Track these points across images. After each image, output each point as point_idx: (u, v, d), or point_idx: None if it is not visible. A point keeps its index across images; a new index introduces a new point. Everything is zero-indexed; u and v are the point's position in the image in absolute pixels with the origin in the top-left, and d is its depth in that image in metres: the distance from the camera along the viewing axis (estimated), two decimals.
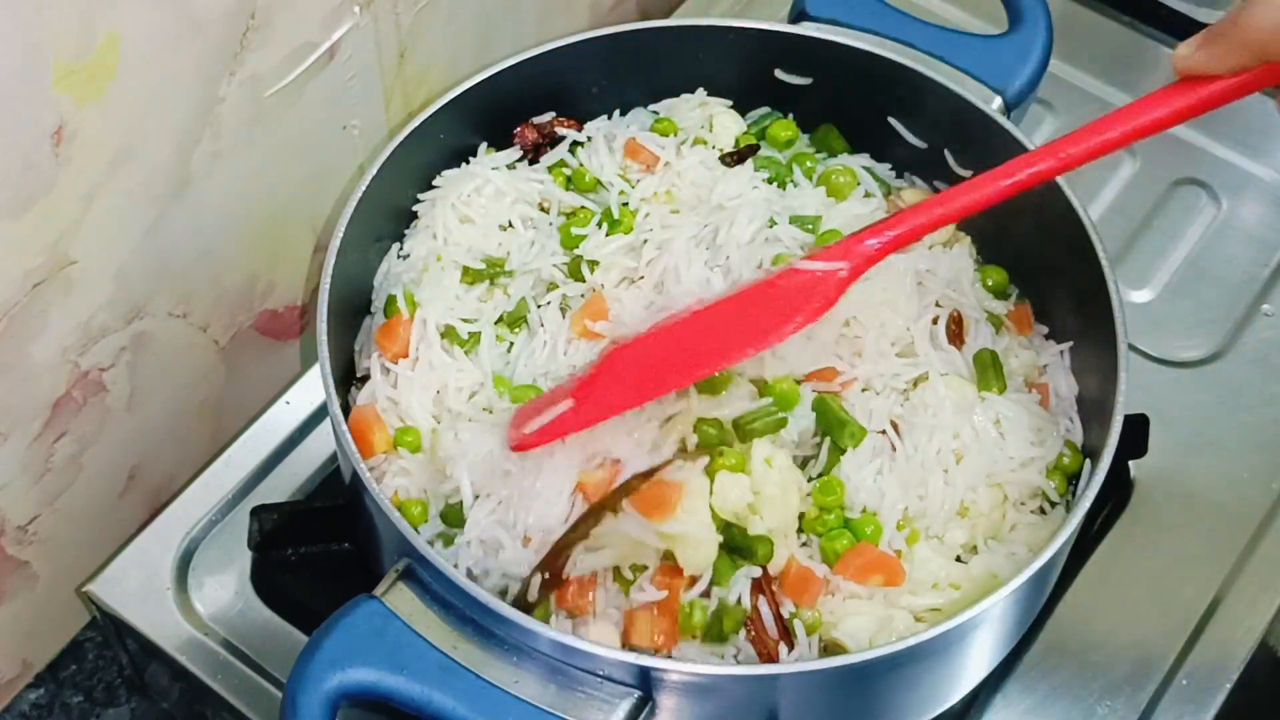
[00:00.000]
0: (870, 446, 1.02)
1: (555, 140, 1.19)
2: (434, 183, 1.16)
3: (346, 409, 1.07)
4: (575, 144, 1.19)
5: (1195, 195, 1.40)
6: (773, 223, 1.11)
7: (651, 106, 1.23)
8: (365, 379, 1.09)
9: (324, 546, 1.14)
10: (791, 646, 0.97)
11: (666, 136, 1.18)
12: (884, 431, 1.03)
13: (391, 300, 1.10)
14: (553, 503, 0.98)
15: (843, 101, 1.21)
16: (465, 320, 1.09)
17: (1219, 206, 1.39)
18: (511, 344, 1.09)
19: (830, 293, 0.96)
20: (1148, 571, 1.18)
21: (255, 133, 1.12)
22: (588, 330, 1.08)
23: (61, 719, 1.20)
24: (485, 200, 1.15)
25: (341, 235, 1.06)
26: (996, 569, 1.00)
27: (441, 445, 1.03)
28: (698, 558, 0.96)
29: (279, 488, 1.19)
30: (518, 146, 1.19)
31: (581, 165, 1.17)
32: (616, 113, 1.23)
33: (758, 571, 0.98)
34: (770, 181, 1.17)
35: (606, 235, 1.12)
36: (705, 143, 1.19)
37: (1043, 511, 1.05)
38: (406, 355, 1.08)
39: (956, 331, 1.09)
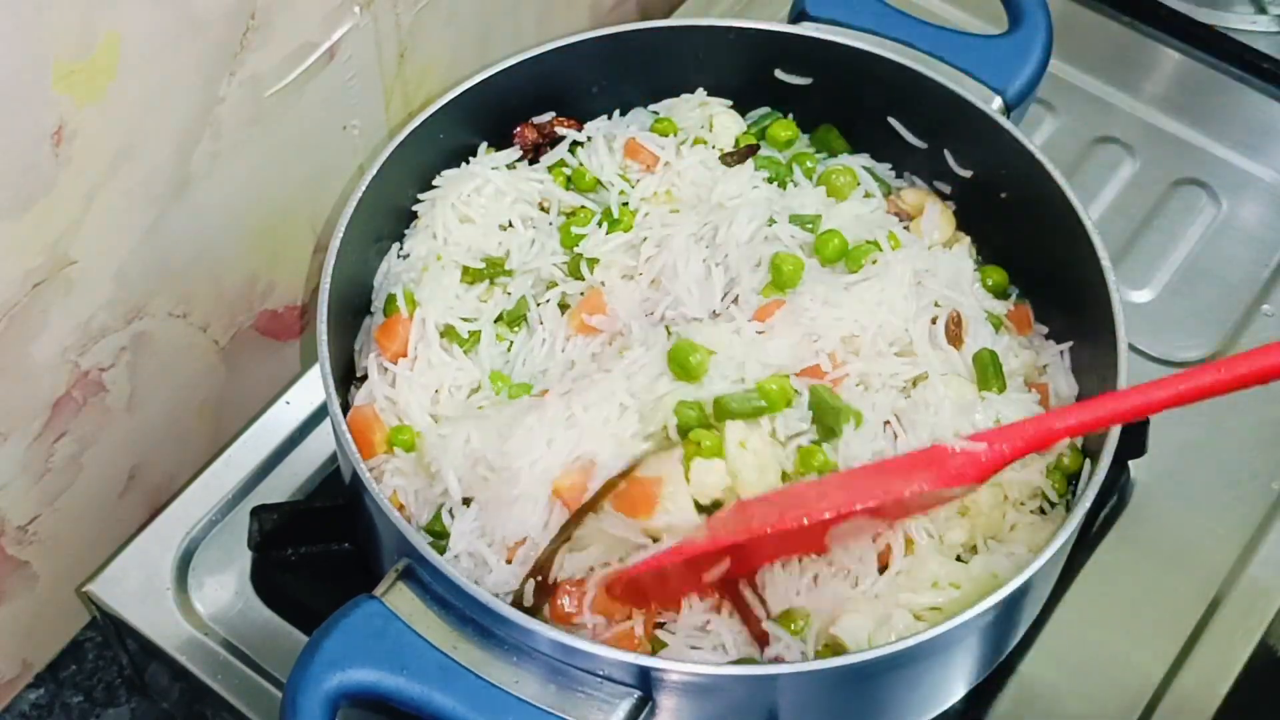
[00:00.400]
0: (872, 433, 1.02)
1: (555, 140, 1.19)
2: (434, 183, 1.16)
3: (346, 409, 1.07)
4: (575, 144, 1.19)
5: (1195, 195, 1.40)
6: (772, 221, 1.11)
7: (651, 106, 1.23)
8: (365, 379, 1.09)
9: (324, 546, 1.14)
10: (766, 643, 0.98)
11: (666, 136, 1.18)
12: (887, 423, 1.03)
13: (391, 299, 1.10)
14: (531, 510, 0.99)
15: (843, 101, 1.21)
16: (465, 320, 1.09)
17: (1219, 206, 1.39)
18: (511, 343, 1.09)
19: (977, 473, 0.96)
20: (1148, 571, 1.18)
21: (255, 133, 1.12)
22: (585, 325, 1.08)
23: (61, 719, 1.20)
24: (485, 200, 1.15)
25: (341, 235, 1.06)
26: (996, 568, 1.00)
27: (428, 445, 1.03)
28: None
29: (279, 488, 1.19)
30: (517, 146, 1.19)
31: (581, 165, 1.17)
32: (616, 113, 1.23)
33: None
34: (770, 181, 1.17)
35: (606, 234, 1.12)
36: (705, 143, 1.19)
37: (1042, 511, 1.05)
38: (405, 355, 1.08)
39: (956, 332, 1.09)
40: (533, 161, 1.19)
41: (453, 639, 0.91)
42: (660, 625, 0.99)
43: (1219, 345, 1.30)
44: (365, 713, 0.94)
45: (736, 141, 1.20)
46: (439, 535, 1.01)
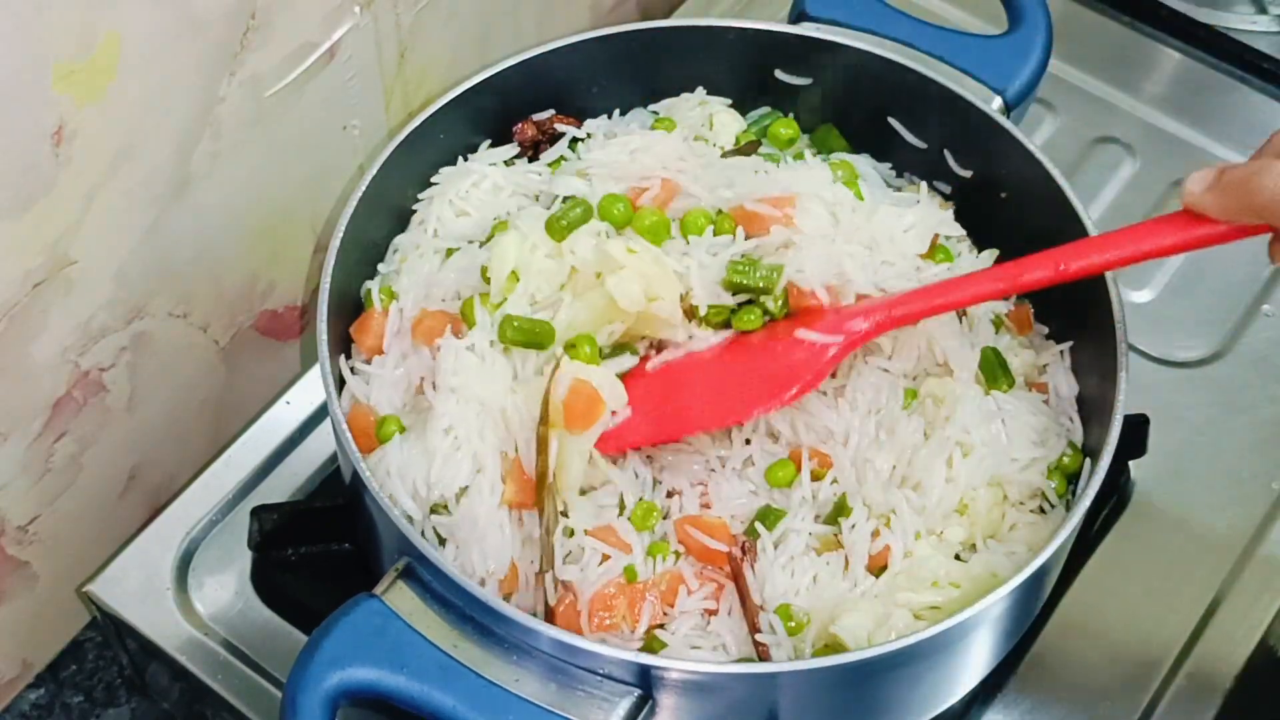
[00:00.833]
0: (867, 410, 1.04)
1: (555, 137, 1.19)
2: (432, 180, 1.16)
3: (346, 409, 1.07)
4: (575, 140, 1.19)
5: None
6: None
7: (651, 106, 1.23)
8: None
9: (324, 546, 1.14)
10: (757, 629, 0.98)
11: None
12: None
13: (368, 295, 1.10)
14: (499, 536, 0.99)
15: (843, 101, 1.21)
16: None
17: None
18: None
19: (821, 367, 1.01)
20: (1148, 571, 1.18)
21: (255, 133, 1.12)
22: None
23: (61, 719, 1.20)
24: (482, 194, 1.15)
25: (341, 235, 1.06)
26: (996, 568, 1.00)
27: (375, 467, 1.02)
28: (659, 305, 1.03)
29: (279, 488, 1.19)
30: (517, 143, 1.19)
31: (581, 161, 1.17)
32: (616, 112, 1.23)
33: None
34: None
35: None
36: (706, 141, 1.19)
37: (1042, 511, 1.05)
38: (381, 350, 1.07)
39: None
40: (532, 159, 1.19)
41: (453, 638, 0.91)
42: (660, 626, 0.99)
43: (1219, 345, 1.30)
44: (365, 712, 0.94)
45: (737, 140, 1.20)
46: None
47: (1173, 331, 1.31)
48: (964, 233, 1.17)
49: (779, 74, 1.22)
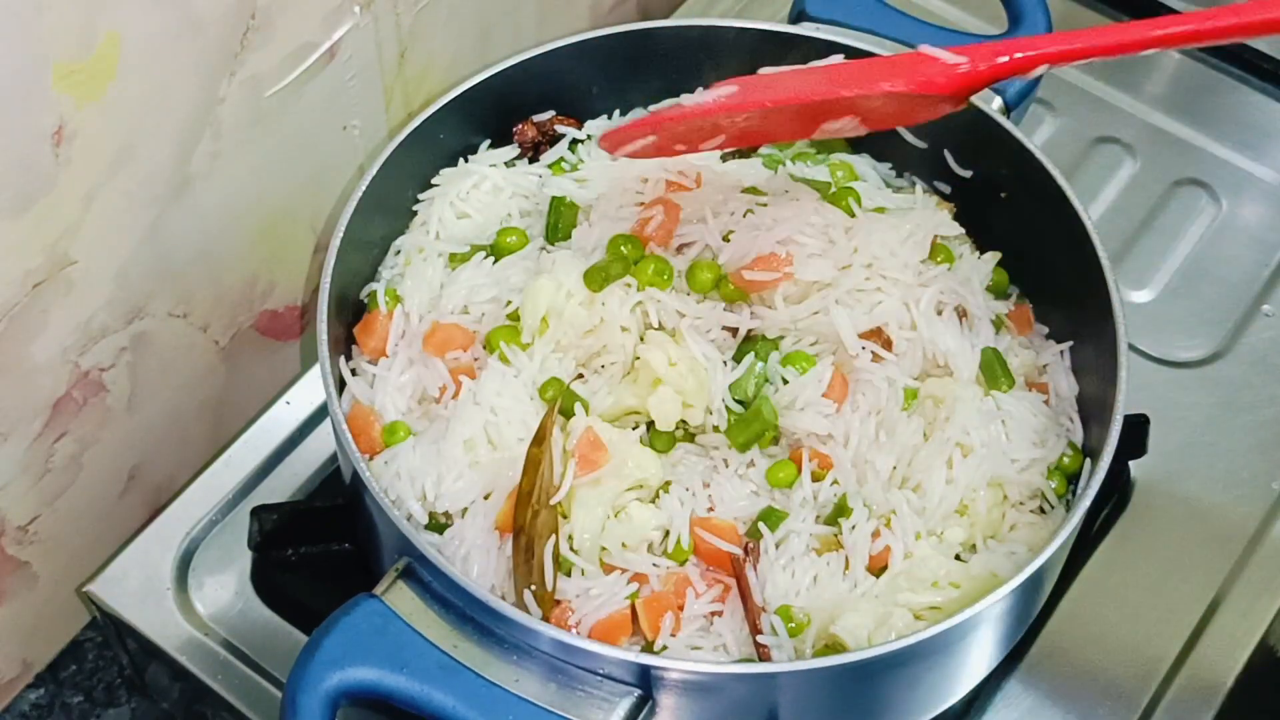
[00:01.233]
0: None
1: (555, 138, 1.19)
2: (433, 181, 1.16)
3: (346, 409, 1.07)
4: (575, 141, 1.19)
5: (1195, 195, 1.40)
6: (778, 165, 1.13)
7: (651, 107, 1.23)
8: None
9: (324, 546, 1.14)
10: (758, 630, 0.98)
11: None
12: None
13: (372, 296, 1.10)
14: (484, 559, 0.99)
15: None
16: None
17: (1219, 206, 1.39)
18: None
19: (949, 84, 0.97)
20: (1148, 571, 1.18)
21: (255, 133, 1.12)
22: None
23: (61, 719, 1.20)
24: (483, 195, 1.15)
25: (341, 235, 1.06)
26: (996, 568, 1.00)
27: (383, 473, 1.02)
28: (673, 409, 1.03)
29: (279, 488, 1.19)
30: (517, 144, 1.19)
31: (582, 161, 1.17)
32: (616, 112, 1.23)
33: None
34: None
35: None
36: None
37: (1042, 511, 1.05)
38: (385, 353, 1.07)
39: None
40: (533, 160, 1.19)
41: (453, 638, 0.91)
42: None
43: (1219, 345, 1.30)
44: (365, 712, 0.94)
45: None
46: (439, 530, 1.01)
47: (1173, 331, 1.31)
48: (963, 232, 1.17)
49: None
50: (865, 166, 1.20)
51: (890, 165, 1.22)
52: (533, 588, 0.96)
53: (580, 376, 1.06)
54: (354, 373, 1.08)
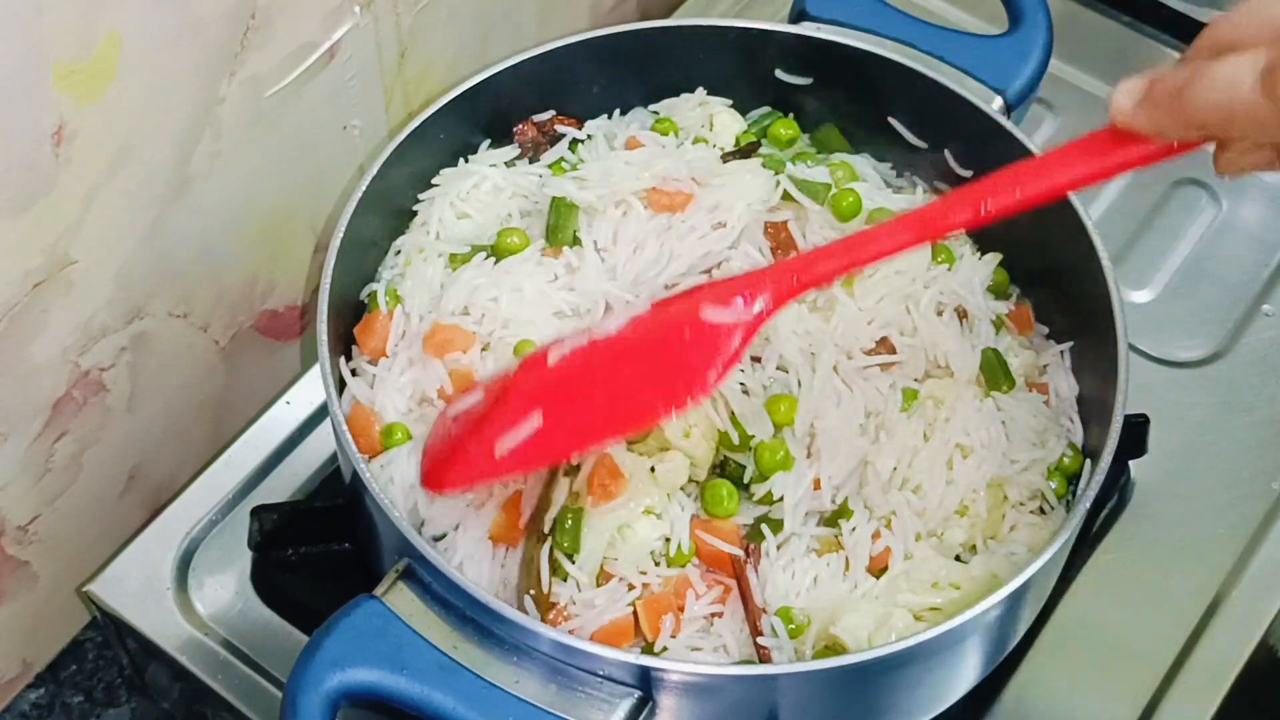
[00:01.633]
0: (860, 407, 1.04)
1: (555, 138, 1.19)
2: (433, 181, 1.16)
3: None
4: (575, 141, 1.19)
5: (1195, 195, 1.40)
6: (779, 167, 1.13)
7: (651, 106, 1.23)
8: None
9: (324, 546, 1.14)
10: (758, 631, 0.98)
11: (667, 135, 1.19)
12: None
13: (372, 296, 1.10)
14: (475, 570, 0.99)
15: (843, 101, 1.21)
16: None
17: (1219, 206, 1.39)
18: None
19: (729, 356, 0.93)
20: (1148, 571, 1.18)
21: (255, 133, 1.12)
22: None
23: (61, 719, 1.20)
24: (483, 195, 1.15)
25: (341, 235, 1.06)
26: (996, 569, 1.00)
27: (379, 476, 1.02)
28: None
29: (279, 488, 1.19)
30: (517, 144, 1.19)
31: (582, 161, 1.17)
32: (616, 112, 1.23)
33: None
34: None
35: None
36: (706, 141, 1.19)
37: (1042, 512, 1.05)
38: (385, 353, 1.07)
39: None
40: (533, 160, 1.19)
41: (453, 639, 0.91)
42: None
43: (1219, 345, 1.30)
44: (365, 713, 0.94)
45: (737, 140, 1.20)
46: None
47: (1173, 331, 1.31)
48: (962, 232, 1.17)
49: (779, 74, 1.22)
50: (865, 166, 1.20)
51: (890, 165, 1.22)
52: (531, 592, 0.96)
53: None
54: (354, 373, 1.08)
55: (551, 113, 1.20)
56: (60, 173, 0.97)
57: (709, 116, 1.20)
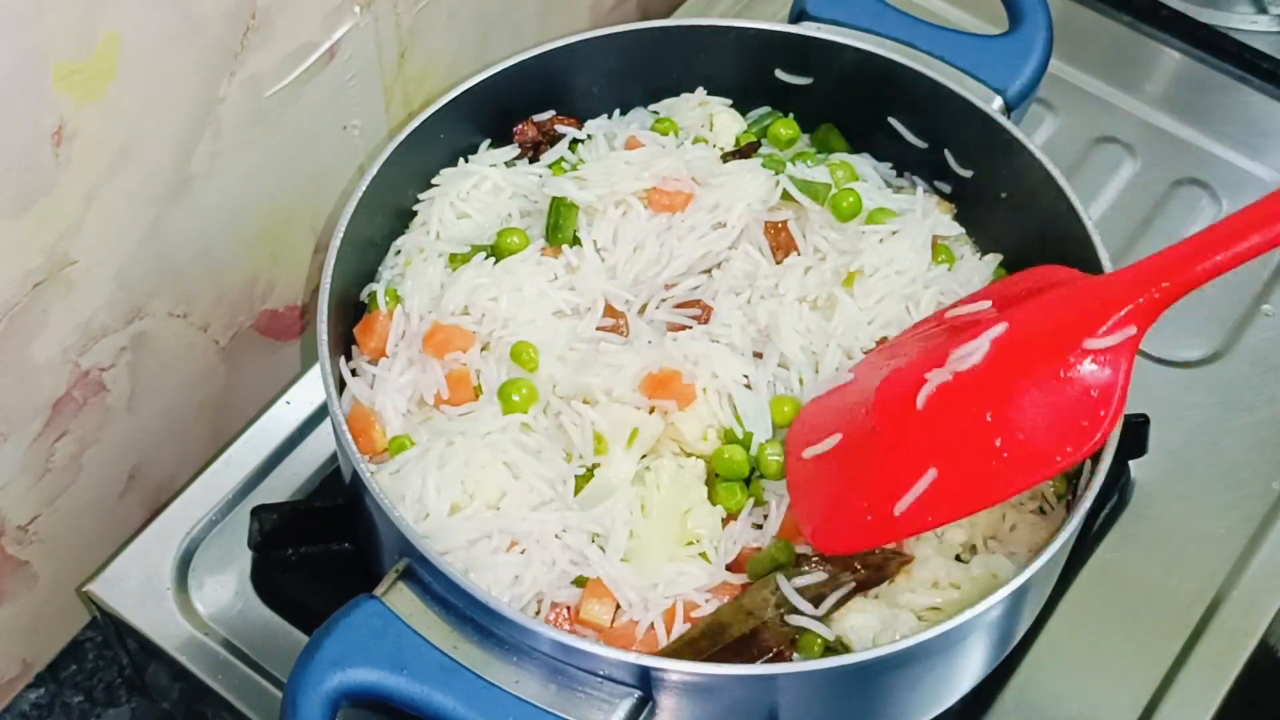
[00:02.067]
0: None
1: (555, 138, 1.19)
2: (433, 181, 1.16)
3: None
4: (575, 141, 1.19)
5: (1195, 195, 1.40)
6: (779, 168, 1.13)
7: (651, 106, 1.23)
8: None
9: (324, 546, 1.14)
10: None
11: (667, 135, 1.19)
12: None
13: (372, 296, 1.10)
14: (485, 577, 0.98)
15: (843, 101, 1.21)
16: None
17: (1219, 206, 1.39)
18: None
19: (1125, 377, 0.88)
20: (1148, 571, 1.18)
21: (255, 133, 1.12)
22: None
23: (61, 719, 1.20)
24: (483, 195, 1.15)
25: (341, 235, 1.06)
26: (996, 569, 1.00)
27: (386, 481, 1.02)
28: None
29: (279, 488, 1.19)
30: (517, 144, 1.19)
31: (582, 161, 1.17)
32: (616, 112, 1.23)
33: None
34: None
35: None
36: (706, 141, 1.19)
37: (1042, 512, 1.05)
38: (385, 353, 1.07)
39: None
40: (533, 160, 1.19)
41: (453, 639, 0.91)
42: None
43: (1219, 345, 1.30)
44: (365, 713, 0.94)
45: (737, 140, 1.20)
46: None
47: (1173, 331, 1.31)
48: (963, 232, 1.17)
49: (779, 74, 1.22)
50: (865, 166, 1.20)
51: (890, 165, 1.22)
52: None
53: None
54: (354, 373, 1.08)
55: (551, 113, 1.20)
56: (60, 173, 0.97)
57: (709, 116, 1.20)
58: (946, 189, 1.20)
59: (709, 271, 1.11)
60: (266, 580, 1.15)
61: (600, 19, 1.47)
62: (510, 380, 1.04)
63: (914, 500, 0.91)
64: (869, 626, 0.96)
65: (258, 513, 1.14)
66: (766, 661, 0.96)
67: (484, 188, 1.16)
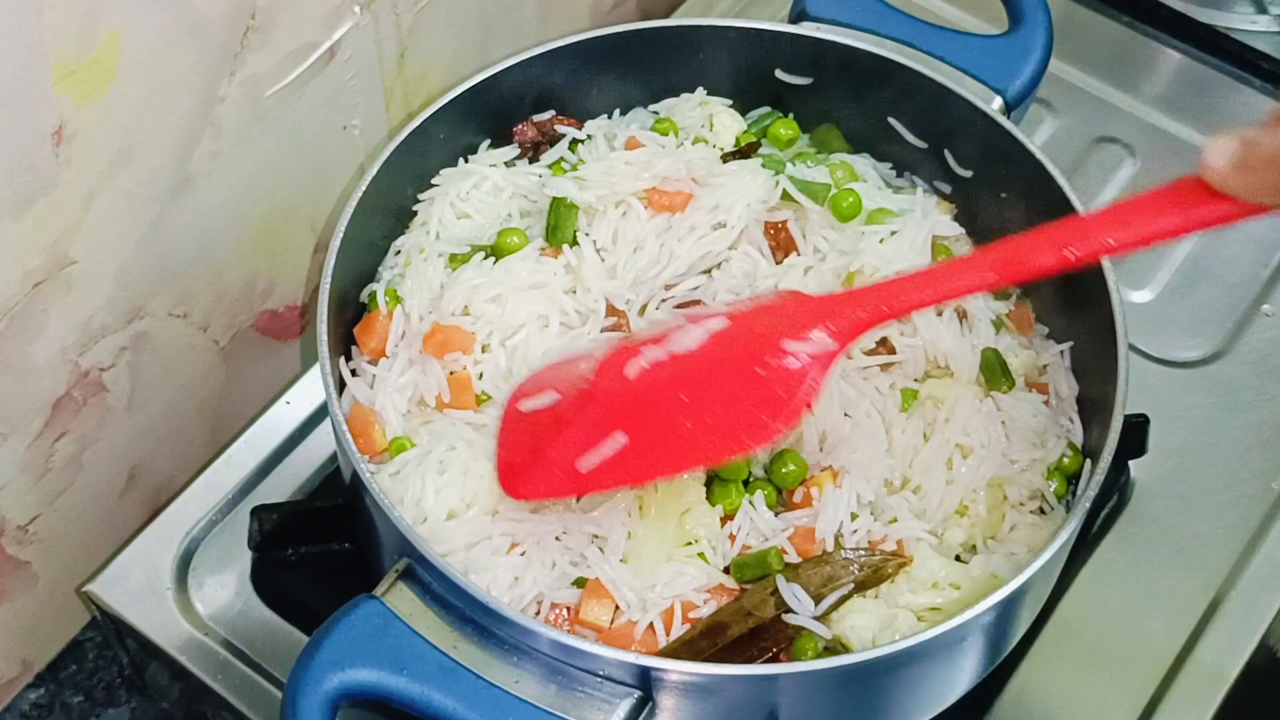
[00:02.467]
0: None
1: (555, 138, 1.19)
2: (433, 181, 1.16)
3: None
4: (575, 141, 1.19)
5: None
6: (778, 167, 1.13)
7: (651, 106, 1.23)
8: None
9: (324, 546, 1.14)
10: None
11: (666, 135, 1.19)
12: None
13: (372, 296, 1.10)
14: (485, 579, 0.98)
15: (843, 101, 1.21)
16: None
17: None
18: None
19: (816, 377, 0.92)
20: (1148, 571, 1.18)
21: (255, 133, 1.12)
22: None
23: (61, 719, 1.20)
24: (483, 195, 1.15)
25: (341, 235, 1.06)
26: (996, 569, 1.00)
27: (387, 483, 1.02)
28: None
29: (279, 488, 1.19)
30: (517, 144, 1.19)
31: (582, 161, 1.17)
32: (616, 112, 1.23)
33: None
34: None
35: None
36: (706, 141, 1.19)
37: (1042, 512, 1.05)
38: (385, 353, 1.07)
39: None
40: (533, 160, 1.19)
41: (453, 639, 0.91)
42: None
43: (1219, 345, 1.30)
44: (365, 713, 0.94)
45: (737, 141, 1.20)
46: None
47: (1173, 331, 1.31)
48: (963, 232, 1.17)
49: (779, 74, 1.22)
50: (865, 166, 1.20)
51: (890, 165, 1.22)
52: None
53: None
54: (354, 373, 1.08)
55: (551, 113, 1.20)
56: (60, 173, 0.97)
57: (709, 116, 1.20)
58: (946, 189, 1.20)
59: (709, 272, 1.11)
60: (266, 580, 1.15)
61: (600, 19, 1.47)
62: None
63: (600, 459, 0.94)
64: (868, 627, 0.97)
65: (258, 513, 1.14)
66: (766, 661, 0.96)
67: (484, 188, 1.16)
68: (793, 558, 1.00)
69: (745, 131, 1.21)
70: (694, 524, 1.00)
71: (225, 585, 1.14)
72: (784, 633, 0.96)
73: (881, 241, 1.10)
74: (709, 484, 1.02)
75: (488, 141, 1.19)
